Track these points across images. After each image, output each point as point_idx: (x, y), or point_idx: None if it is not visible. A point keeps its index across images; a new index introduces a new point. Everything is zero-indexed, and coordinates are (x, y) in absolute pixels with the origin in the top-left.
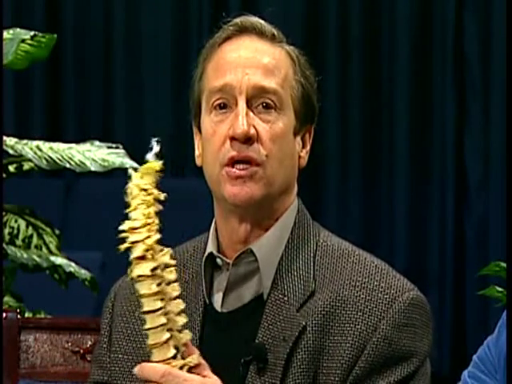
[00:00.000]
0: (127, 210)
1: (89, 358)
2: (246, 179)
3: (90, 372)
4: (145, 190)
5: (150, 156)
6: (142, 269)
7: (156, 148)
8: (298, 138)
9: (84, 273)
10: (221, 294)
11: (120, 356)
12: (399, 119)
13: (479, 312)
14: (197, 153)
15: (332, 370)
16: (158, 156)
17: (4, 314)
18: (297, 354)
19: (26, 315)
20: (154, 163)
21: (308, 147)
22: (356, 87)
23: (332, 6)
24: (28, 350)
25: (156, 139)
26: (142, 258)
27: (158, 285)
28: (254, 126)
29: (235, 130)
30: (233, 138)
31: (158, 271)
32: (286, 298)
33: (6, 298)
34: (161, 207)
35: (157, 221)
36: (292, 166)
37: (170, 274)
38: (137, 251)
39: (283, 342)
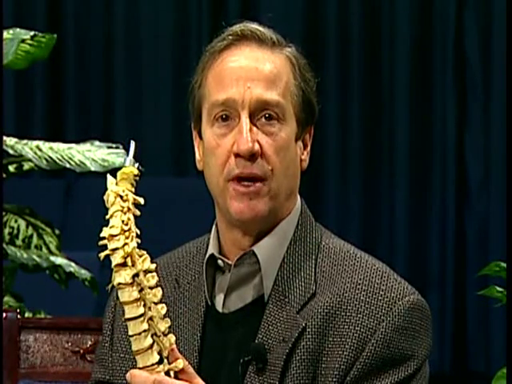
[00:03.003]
0: (106, 217)
1: (89, 358)
2: (251, 196)
3: (92, 371)
4: (121, 196)
5: (126, 160)
6: (122, 276)
7: (132, 152)
8: (299, 142)
9: (84, 273)
10: (222, 295)
11: (122, 355)
12: (399, 119)
13: (479, 312)
14: (197, 157)
15: (330, 371)
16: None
17: (4, 314)
18: (296, 355)
19: (26, 315)
20: (130, 168)
21: (308, 148)
22: (356, 87)
23: (332, 6)
24: (28, 350)
25: (133, 142)
26: (122, 264)
27: (140, 291)
28: (258, 141)
29: (239, 146)
30: (237, 155)
31: (139, 278)
32: (286, 300)
33: (6, 298)
34: (138, 212)
35: (134, 227)
36: (295, 173)
37: (152, 280)
38: (116, 259)
39: (283, 343)
